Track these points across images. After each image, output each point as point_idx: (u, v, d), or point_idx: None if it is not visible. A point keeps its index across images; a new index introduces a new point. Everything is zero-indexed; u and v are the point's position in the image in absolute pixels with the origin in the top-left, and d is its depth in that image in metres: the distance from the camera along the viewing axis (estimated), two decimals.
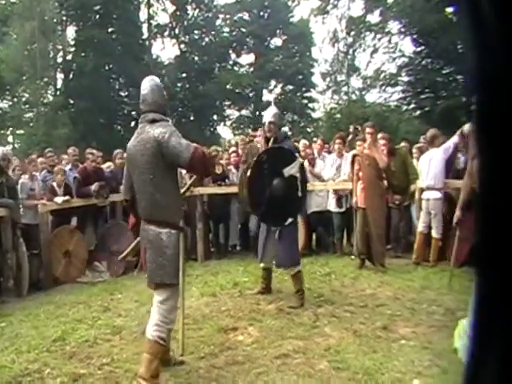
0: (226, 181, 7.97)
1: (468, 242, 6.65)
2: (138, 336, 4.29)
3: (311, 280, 6.04)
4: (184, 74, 25.75)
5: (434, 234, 6.94)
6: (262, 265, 5.53)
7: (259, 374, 3.51)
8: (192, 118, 25.13)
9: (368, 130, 6.80)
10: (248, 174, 5.07)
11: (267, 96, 27.37)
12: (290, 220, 5.07)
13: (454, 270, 6.28)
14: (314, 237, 8.23)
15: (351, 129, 8.35)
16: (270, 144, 5.27)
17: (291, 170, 4.98)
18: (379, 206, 6.74)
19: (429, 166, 6.99)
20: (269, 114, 5.39)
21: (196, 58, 26.21)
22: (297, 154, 5.17)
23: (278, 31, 26.85)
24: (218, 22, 27.35)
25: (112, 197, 7.38)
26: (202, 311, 4.79)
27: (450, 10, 18.22)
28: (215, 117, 26.10)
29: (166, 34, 26.47)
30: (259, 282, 5.64)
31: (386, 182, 6.88)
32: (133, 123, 24.35)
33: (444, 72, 19.03)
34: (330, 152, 8.33)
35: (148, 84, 3.50)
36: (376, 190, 6.70)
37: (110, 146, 10.02)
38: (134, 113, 24.26)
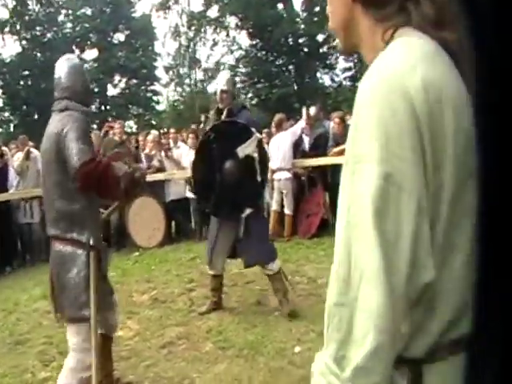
0: None
1: (316, 215, 7.31)
2: (12, 347, 3.89)
3: (178, 266, 6.03)
4: (27, 72, 23.88)
5: (287, 211, 7.42)
6: (211, 272, 4.45)
7: (148, 367, 3.43)
8: (36, 117, 23.08)
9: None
10: (193, 157, 4.15)
11: (112, 91, 26.74)
12: (247, 210, 4.11)
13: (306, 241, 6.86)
14: (173, 225, 8.18)
15: (202, 118, 8.49)
16: (222, 117, 4.26)
17: (246, 149, 4.01)
18: None
19: (278, 148, 7.42)
20: (221, 81, 4.40)
21: (39, 55, 24.39)
22: (254, 129, 4.12)
23: (120, 26, 26.11)
24: (61, 17, 25.89)
25: None
26: None
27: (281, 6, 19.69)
28: None
29: (7, 30, 24.22)
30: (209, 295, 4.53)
31: None
32: None
33: (277, 63, 20.50)
34: (184, 141, 8.38)
35: (64, 65, 2.75)
36: None
37: None
38: None
